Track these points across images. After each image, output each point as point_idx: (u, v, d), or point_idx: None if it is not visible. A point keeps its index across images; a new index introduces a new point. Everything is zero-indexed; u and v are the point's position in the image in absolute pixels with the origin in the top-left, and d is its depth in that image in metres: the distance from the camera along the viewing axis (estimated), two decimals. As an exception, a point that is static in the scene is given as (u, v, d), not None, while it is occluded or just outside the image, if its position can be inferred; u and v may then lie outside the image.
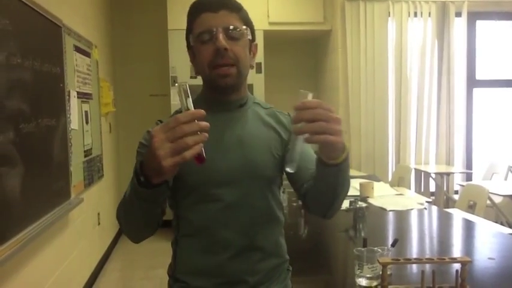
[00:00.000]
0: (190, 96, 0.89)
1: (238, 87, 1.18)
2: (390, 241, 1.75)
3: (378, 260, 1.36)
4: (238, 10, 1.15)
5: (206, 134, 0.85)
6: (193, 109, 0.87)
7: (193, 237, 1.18)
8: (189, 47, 1.20)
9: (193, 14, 1.16)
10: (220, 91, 1.16)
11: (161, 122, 1.19)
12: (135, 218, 1.06)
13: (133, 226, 1.10)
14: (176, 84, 0.92)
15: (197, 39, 1.13)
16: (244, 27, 1.15)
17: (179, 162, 0.85)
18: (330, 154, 1.00)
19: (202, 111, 0.85)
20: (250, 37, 1.17)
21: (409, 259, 1.34)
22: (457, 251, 1.98)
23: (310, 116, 0.90)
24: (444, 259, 1.31)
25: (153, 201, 0.99)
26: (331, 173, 1.03)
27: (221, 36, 1.09)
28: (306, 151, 1.19)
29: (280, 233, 1.25)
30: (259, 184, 1.17)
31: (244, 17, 1.17)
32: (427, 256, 1.78)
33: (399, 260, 1.33)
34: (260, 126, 1.21)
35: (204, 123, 0.85)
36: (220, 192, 1.14)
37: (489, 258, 1.81)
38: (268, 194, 1.20)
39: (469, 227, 2.40)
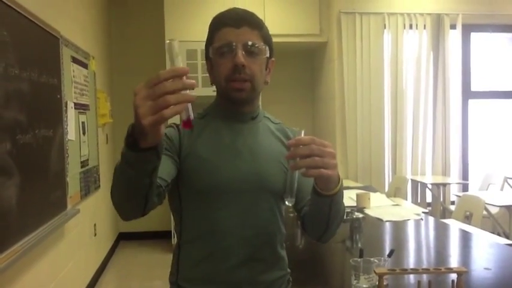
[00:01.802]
0: (179, 56, 0.83)
1: (251, 100, 1.21)
2: (387, 251, 1.76)
3: (374, 271, 1.36)
4: (260, 28, 1.17)
5: (191, 95, 0.79)
6: (184, 70, 0.79)
7: (197, 244, 1.18)
8: (207, 57, 1.22)
9: (215, 26, 1.18)
10: (233, 102, 1.18)
11: (176, 125, 1.20)
12: (122, 187, 0.99)
13: (120, 197, 1.02)
14: (167, 41, 0.85)
15: (216, 51, 1.15)
16: (263, 44, 1.17)
17: (159, 121, 0.79)
18: (325, 186, 1.03)
19: (187, 68, 0.79)
20: (268, 55, 1.19)
21: (406, 269, 1.34)
22: (453, 261, 1.98)
23: (305, 152, 0.95)
24: (440, 269, 1.31)
25: (140, 167, 0.91)
26: (325, 203, 1.07)
27: (240, 53, 1.12)
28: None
29: (282, 245, 1.26)
30: (267, 196, 1.18)
31: (264, 34, 1.18)
32: (424, 266, 1.79)
33: (395, 270, 1.33)
34: (271, 140, 1.23)
35: (189, 81, 0.78)
36: (227, 200, 1.15)
37: (485, 269, 1.81)
38: (275, 206, 1.20)
39: (465, 237, 2.41)
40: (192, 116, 0.83)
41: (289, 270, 1.29)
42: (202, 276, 1.18)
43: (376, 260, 1.48)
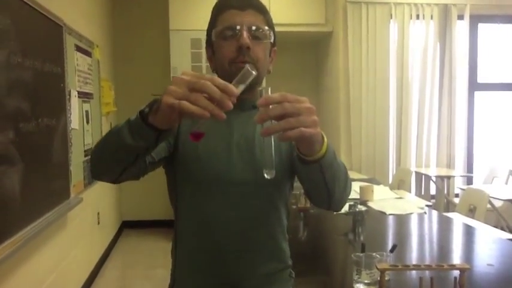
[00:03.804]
0: (244, 86, 0.85)
1: (253, 87, 1.16)
2: (389, 246, 1.75)
3: (376, 266, 1.35)
4: (265, 12, 1.16)
5: (220, 113, 0.78)
6: (236, 93, 0.80)
7: (192, 236, 1.17)
8: (208, 43, 1.19)
9: (219, 9, 1.15)
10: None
11: None
12: (108, 147, 0.97)
13: (101, 155, 1.00)
14: (247, 66, 0.87)
15: (220, 34, 1.13)
16: (267, 29, 1.15)
17: (176, 108, 0.78)
18: (309, 149, 0.92)
19: (236, 93, 0.80)
20: (272, 40, 1.17)
21: (408, 265, 1.33)
22: (456, 256, 1.98)
23: (277, 112, 0.82)
24: (443, 266, 1.30)
25: (134, 139, 0.90)
26: (315, 170, 0.96)
27: (245, 34, 1.09)
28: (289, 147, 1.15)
29: (284, 237, 1.23)
30: (266, 186, 1.13)
31: (269, 20, 1.17)
32: (426, 262, 1.78)
33: (397, 266, 1.32)
34: None
35: (228, 103, 0.78)
36: (223, 191, 1.13)
37: (488, 265, 1.80)
38: (276, 197, 1.17)
39: (468, 232, 2.40)
40: (204, 132, 0.82)
41: (290, 263, 1.27)
42: (199, 267, 1.17)
43: (378, 255, 1.47)
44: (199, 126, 0.82)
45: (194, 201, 1.15)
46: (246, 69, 0.86)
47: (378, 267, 1.33)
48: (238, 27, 1.10)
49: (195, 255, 1.17)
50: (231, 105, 0.79)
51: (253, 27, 1.11)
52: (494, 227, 3.29)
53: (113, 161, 0.98)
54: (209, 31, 1.18)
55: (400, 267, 1.32)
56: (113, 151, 0.96)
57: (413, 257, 1.94)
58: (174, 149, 1.15)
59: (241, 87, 0.84)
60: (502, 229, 3.62)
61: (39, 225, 2.45)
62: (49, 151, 2.68)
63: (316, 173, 0.97)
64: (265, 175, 0.90)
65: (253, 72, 0.86)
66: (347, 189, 1.09)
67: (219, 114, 0.78)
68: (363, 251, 1.51)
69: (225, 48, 1.12)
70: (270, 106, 0.83)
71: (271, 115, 0.82)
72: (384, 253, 1.53)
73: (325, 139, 0.94)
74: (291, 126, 0.81)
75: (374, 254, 1.48)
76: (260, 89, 0.87)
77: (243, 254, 1.15)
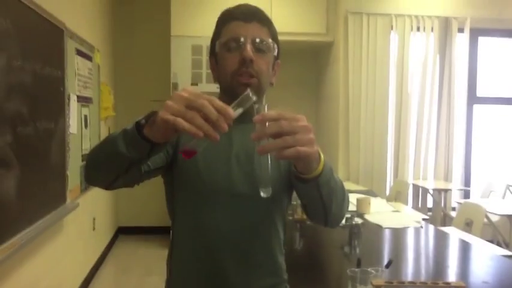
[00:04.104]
0: (243, 109, 0.85)
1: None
2: (385, 260, 1.74)
3: (371, 282, 1.35)
4: (269, 25, 1.15)
5: (214, 134, 0.78)
6: (233, 116, 0.80)
7: (189, 247, 1.16)
8: (212, 53, 1.19)
9: (224, 20, 1.15)
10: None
11: None
12: (102, 154, 0.98)
13: (94, 161, 1.01)
14: (248, 90, 0.88)
15: (224, 46, 1.13)
16: (271, 42, 1.14)
17: (170, 123, 0.78)
18: (305, 167, 0.92)
19: (232, 115, 0.80)
20: (275, 53, 1.17)
21: (403, 282, 1.32)
22: (452, 273, 1.97)
23: (273, 130, 0.82)
24: (438, 283, 1.30)
25: (128, 149, 0.90)
26: (312, 188, 0.96)
27: (249, 47, 1.09)
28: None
29: (281, 251, 1.22)
30: (264, 200, 1.12)
31: (273, 33, 1.16)
32: (422, 279, 1.76)
33: (392, 283, 1.32)
34: None
35: (224, 126, 0.79)
36: (221, 203, 1.12)
37: (484, 282, 1.79)
38: (273, 211, 1.17)
39: (465, 248, 2.39)
40: (197, 151, 0.82)
41: (286, 277, 1.26)
42: (194, 279, 1.16)
43: (373, 271, 1.46)
44: (192, 144, 0.82)
45: (192, 212, 1.15)
46: (246, 94, 0.86)
47: (373, 283, 1.32)
48: (242, 39, 1.10)
49: (190, 266, 1.16)
50: (227, 128, 0.79)
51: (257, 40, 1.11)
52: (490, 241, 3.29)
53: (106, 168, 0.99)
54: (213, 41, 1.18)
55: (395, 283, 1.31)
56: (106, 158, 0.97)
57: (409, 273, 1.93)
58: (172, 159, 1.14)
59: (239, 111, 0.84)
60: (498, 244, 3.62)
61: (35, 229, 2.44)
62: (46, 155, 2.67)
63: (313, 191, 0.97)
64: (262, 193, 0.89)
65: (253, 98, 0.86)
66: (344, 206, 1.09)
67: (212, 135, 0.78)
68: (358, 266, 1.51)
69: (228, 60, 1.12)
70: (267, 123, 0.83)
71: (268, 133, 0.82)
72: (380, 268, 1.53)
73: (322, 157, 0.94)
74: (288, 144, 0.81)
75: (369, 269, 1.47)
76: (256, 106, 0.85)
77: (239, 267, 1.14)
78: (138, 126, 0.88)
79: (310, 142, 0.84)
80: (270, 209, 1.16)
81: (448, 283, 1.29)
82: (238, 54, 1.10)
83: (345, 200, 1.08)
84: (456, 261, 2.23)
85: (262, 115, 0.83)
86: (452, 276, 1.89)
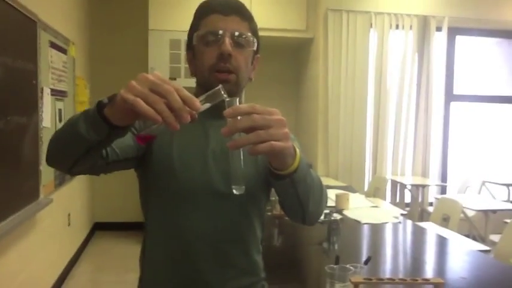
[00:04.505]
0: (211, 104, 0.80)
1: (233, 95, 1.12)
2: (363, 256, 1.74)
3: (349, 279, 1.33)
4: (250, 19, 1.11)
5: (174, 123, 0.73)
6: (199, 109, 0.76)
7: (161, 248, 1.12)
8: (189, 46, 1.15)
9: (202, 13, 1.11)
10: None
11: None
12: (63, 135, 0.92)
13: (55, 142, 0.94)
14: (220, 86, 0.83)
15: (201, 39, 1.08)
16: (251, 36, 1.10)
17: (129, 103, 0.73)
18: (280, 163, 0.88)
19: (198, 107, 0.75)
20: (255, 48, 1.13)
21: (382, 279, 1.31)
22: (429, 269, 1.97)
23: (246, 124, 0.78)
24: (417, 280, 1.29)
25: (87, 130, 0.84)
26: (287, 184, 0.93)
27: (227, 41, 1.05)
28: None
29: (258, 250, 1.19)
30: (239, 198, 1.05)
31: (253, 27, 1.12)
32: (400, 275, 1.76)
33: (371, 279, 1.30)
34: None
35: (186, 116, 0.73)
36: (195, 203, 1.08)
37: (461, 278, 1.80)
38: (250, 209, 1.13)
39: (442, 243, 2.40)
40: (153, 136, 0.78)
41: (264, 275, 1.23)
42: (168, 279, 1.12)
43: (352, 268, 1.45)
44: (149, 130, 0.77)
45: (165, 211, 1.11)
46: (217, 89, 0.81)
47: (352, 280, 1.31)
48: (220, 32, 1.06)
49: (164, 266, 1.12)
50: (189, 119, 0.74)
51: (236, 33, 1.07)
52: (466, 235, 3.33)
53: (64, 149, 0.93)
54: (191, 34, 1.13)
55: (374, 280, 1.30)
56: (65, 139, 0.92)
57: (387, 269, 1.92)
58: (146, 154, 1.10)
59: (207, 106, 0.80)
60: (474, 238, 3.67)
61: (6, 226, 2.37)
62: (18, 150, 2.60)
63: (288, 187, 0.94)
64: (234, 191, 0.85)
65: (224, 95, 0.81)
66: (322, 203, 1.06)
67: (172, 124, 0.73)
68: (336, 263, 1.49)
69: (205, 54, 1.08)
70: (239, 117, 0.79)
71: (239, 127, 0.78)
72: (358, 265, 1.51)
73: (298, 152, 0.91)
74: (261, 139, 0.78)
75: (348, 266, 1.46)
76: (227, 99, 0.81)
77: (214, 267, 1.10)
78: (100, 106, 0.83)
79: (284, 136, 0.80)
80: (248, 208, 1.13)
81: (427, 279, 1.28)
82: (216, 48, 1.06)
83: (322, 197, 1.05)
84: (434, 257, 2.24)
85: (233, 108, 0.79)
86: (430, 272, 1.90)
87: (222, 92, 0.81)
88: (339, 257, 1.51)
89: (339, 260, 1.49)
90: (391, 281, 1.30)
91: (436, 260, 2.16)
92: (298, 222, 1.08)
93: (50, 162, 0.98)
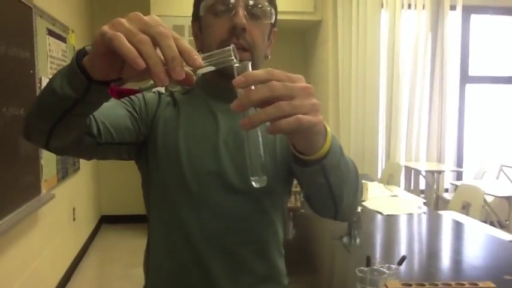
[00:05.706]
0: (216, 67, 0.60)
1: None
2: (391, 252, 1.57)
3: (385, 285, 1.17)
4: None
5: (163, 77, 0.53)
6: (199, 66, 0.56)
7: (169, 251, 0.97)
8: (195, 16, 0.98)
9: None
10: (225, 77, 0.83)
11: (159, 94, 0.99)
12: (40, 99, 0.72)
13: (32, 108, 0.75)
14: (232, 47, 0.59)
15: (210, 9, 0.92)
16: (268, 6, 0.94)
17: (107, 38, 0.54)
18: (308, 145, 0.69)
19: (198, 64, 0.55)
20: (273, 20, 0.97)
21: (423, 284, 1.15)
22: (468, 268, 1.76)
23: (263, 95, 0.58)
24: (464, 284, 1.13)
25: (64, 84, 0.65)
26: (317, 173, 0.73)
27: (241, 12, 0.88)
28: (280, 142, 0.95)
29: (279, 253, 1.03)
30: (256, 194, 0.92)
31: None
32: (441, 278, 1.58)
33: (411, 284, 1.14)
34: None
35: (178, 71, 0.54)
36: (205, 199, 0.93)
37: (507, 277, 1.62)
38: (268, 206, 0.97)
39: (479, 237, 2.19)
40: (132, 90, 0.58)
41: (286, 282, 1.07)
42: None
43: (385, 270, 1.29)
44: (121, 81, 0.58)
45: (172, 209, 0.95)
46: (227, 49, 0.60)
47: (388, 285, 1.15)
48: (232, 1, 0.89)
49: (169, 274, 0.98)
50: (183, 75, 0.54)
51: (251, 2, 0.90)
52: (484, 221, 3.17)
53: (38, 114, 0.73)
54: (197, 3, 0.96)
55: (413, 286, 1.14)
56: (39, 101, 0.72)
57: (422, 270, 1.73)
58: (148, 143, 0.95)
59: (210, 68, 0.59)
60: (492, 224, 3.51)
61: (6, 223, 2.26)
62: (16, 144, 2.45)
63: (318, 177, 0.74)
64: (253, 183, 0.65)
65: (234, 60, 0.60)
66: (358, 195, 0.87)
67: (159, 74, 0.53)
68: (368, 264, 1.33)
69: (215, 27, 0.91)
70: (252, 87, 0.59)
71: (254, 99, 0.58)
72: (392, 266, 1.35)
73: (329, 131, 0.71)
74: (284, 113, 0.58)
75: (381, 267, 1.30)
76: (236, 65, 0.60)
77: (229, 274, 0.95)
78: (81, 55, 0.64)
79: (313, 108, 0.61)
80: (264, 204, 0.96)
81: (476, 283, 1.12)
82: (227, 20, 0.90)
83: (358, 187, 0.87)
84: (472, 253, 2.00)
85: (245, 76, 0.59)
86: (472, 272, 1.69)
87: (233, 55, 0.60)
88: (370, 257, 1.34)
89: (370, 261, 1.33)
90: (434, 286, 1.14)
91: (476, 257, 1.92)
92: (328, 218, 0.90)
93: (25, 134, 0.79)
